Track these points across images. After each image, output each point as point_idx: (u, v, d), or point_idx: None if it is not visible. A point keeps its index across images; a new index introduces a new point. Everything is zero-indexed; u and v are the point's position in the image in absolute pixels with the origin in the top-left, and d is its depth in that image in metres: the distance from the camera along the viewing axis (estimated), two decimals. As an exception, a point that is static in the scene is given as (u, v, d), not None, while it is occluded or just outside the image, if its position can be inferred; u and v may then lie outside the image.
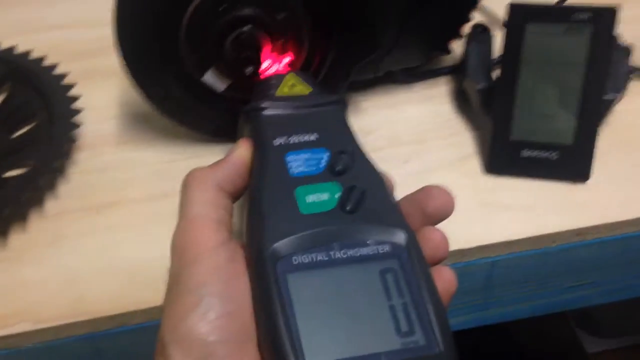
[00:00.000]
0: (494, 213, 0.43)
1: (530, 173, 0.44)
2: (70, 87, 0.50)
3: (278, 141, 0.33)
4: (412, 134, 0.49)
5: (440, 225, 0.40)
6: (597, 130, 0.43)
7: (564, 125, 0.43)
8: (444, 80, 0.53)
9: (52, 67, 0.52)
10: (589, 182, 0.44)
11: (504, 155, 0.44)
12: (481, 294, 0.44)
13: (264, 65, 0.42)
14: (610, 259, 0.44)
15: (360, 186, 0.31)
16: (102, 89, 0.52)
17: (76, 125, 0.46)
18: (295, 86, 0.38)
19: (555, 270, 0.44)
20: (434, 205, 0.31)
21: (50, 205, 0.44)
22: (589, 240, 0.42)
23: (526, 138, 0.43)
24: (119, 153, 0.48)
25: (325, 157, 0.32)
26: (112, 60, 0.55)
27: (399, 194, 0.44)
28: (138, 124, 0.50)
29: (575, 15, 0.41)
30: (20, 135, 0.48)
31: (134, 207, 0.44)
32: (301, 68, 0.43)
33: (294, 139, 0.33)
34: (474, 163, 0.46)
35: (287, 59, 0.42)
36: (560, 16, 0.42)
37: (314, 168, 0.32)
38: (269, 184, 0.31)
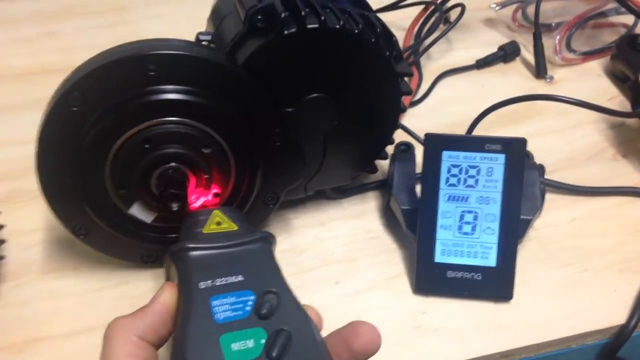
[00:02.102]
0: (425, 336, 0.43)
1: (456, 293, 0.45)
2: (-7, 214, 0.48)
3: (204, 284, 0.33)
4: (342, 251, 0.50)
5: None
6: (517, 250, 0.44)
7: (485, 247, 0.44)
8: (372, 195, 0.55)
9: (-25, 192, 0.51)
10: (512, 301, 0.45)
11: (430, 277, 0.45)
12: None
13: (191, 199, 0.42)
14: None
15: (287, 329, 0.31)
16: (26, 212, 0.51)
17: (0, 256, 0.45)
18: (222, 223, 0.38)
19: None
20: (360, 343, 0.32)
21: (-31, 346, 0.42)
22: (516, 361, 0.43)
23: (450, 260, 0.45)
24: (44, 282, 0.47)
25: (250, 299, 0.33)
26: (32, 183, 0.54)
27: (331, 315, 0.45)
28: (64, 250, 0.49)
29: (488, 145, 0.44)
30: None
31: (58, 344, 0.43)
32: (229, 196, 0.44)
33: (220, 282, 0.33)
34: (404, 282, 0.47)
35: (214, 191, 0.43)
36: (473, 145, 0.44)
37: (240, 312, 0.32)
38: (194, 330, 0.31)
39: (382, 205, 0.53)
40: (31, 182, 0.53)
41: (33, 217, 0.51)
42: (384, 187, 0.54)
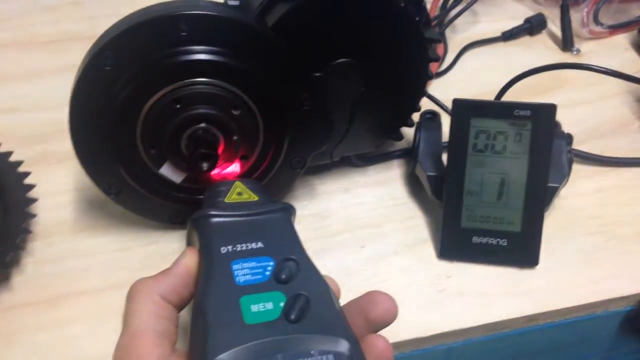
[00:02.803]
0: (449, 299, 0.44)
1: (481, 259, 0.45)
2: (25, 175, 0.49)
3: (224, 249, 0.34)
4: (367, 217, 0.50)
5: (399, 311, 0.42)
6: (543, 217, 0.44)
7: (512, 213, 0.44)
8: (397, 163, 0.55)
9: (7, 154, 0.51)
10: (537, 267, 0.45)
11: (455, 242, 0.45)
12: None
13: (219, 160, 0.42)
14: (560, 343, 0.45)
15: (305, 294, 0.31)
16: (57, 174, 0.52)
17: (31, 215, 0.46)
18: (243, 194, 0.39)
19: (509, 353, 0.45)
20: (377, 312, 0.32)
21: (4, 298, 0.43)
22: (540, 325, 0.43)
23: (476, 225, 0.45)
24: (75, 241, 0.48)
25: (270, 265, 0.33)
26: (67, 145, 0.55)
27: (357, 278, 0.45)
28: (94, 211, 0.50)
29: (517, 111, 0.44)
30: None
31: (89, 299, 0.44)
32: (257, 159, 0.45)
33: (240, 247, 0.34)
34: (429, 248, 0.47)
35: (242, 153, 0.43)
36: (502, 111, 0.44)
37: (260, 276, 0.32)
38: (214, 293, 0.32)
39: (406, 172, 0.54)
40: (60, 145, 0.54)
41: (63, 179, 0.52)
42: (408, 155, 0.54)
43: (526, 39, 0.68)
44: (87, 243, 0.48)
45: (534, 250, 0.44)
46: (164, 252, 0.47)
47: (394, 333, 0.40)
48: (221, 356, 0.28)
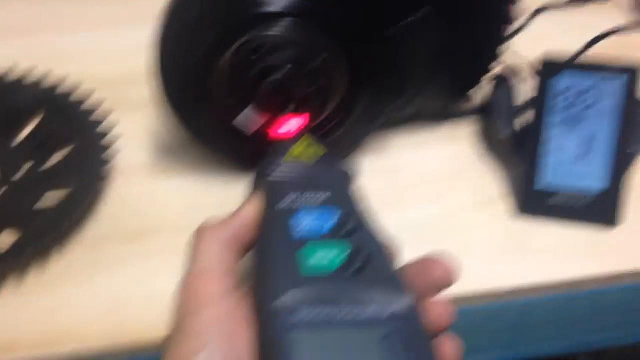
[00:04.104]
0: (526, 256, 0.44)
1: (561, 217, 0.45)
2: (104, 116, 0.50)
3: (287, 201, 0.34)
4: (437, 174, 0.50)
5: (473, 265, 0.42)
6: (624, 177, 0.44)
7: (594, 172, 0.44)
8: (470, 122, 0.55)
9: (87, 95, 0.53)
10: (618, 227, 0.45)
11: (534, 199, 0.45)
12: (510, 335, 0.45)
13: (299, 108, 0.43)
14: (638, 303, 0.45)
15: (366, 249, 0.31)
16: (133, 119, 0.53)
17: (111, 154, 0.47)
18: (309, 149, 0.39)
19: (585, 313, 0.45)
20: (437, 274, 0.32)
21: (88, 231, 0.44)
22: (618, 285, 0.43)
23: (555, 184, 0.45)
24: (152, 182, 0.49)
25: (331, 220, 0.34)
26: (143, 90, 0.56)
27: (428, 232, 0.45)
28: (170, 154, 0.51)
29: (604, 71, 0.43)
30: (56, 162, 0.48)
31: (167, 237, 0.45)
32: (335, 109, 0.45)
33: (302, 201, 0.35)
34: (501, 205, 0.47)
35: (321, 102, 0.44)
36: (590, 70, 0.43)
37: (320, 230, 0.33)
38: (275, 242, 0.32)
39: (479, 131, 0.53)
40: (136, 92, 0.56)
41: (140, 123, 0.53)
42: (481, 114, 0.54)
43: (601, 4, 0.67)
44: (163, 185, 0.48)
45: (616, 209, 0.44)
46: (237, 196, 0.48)
47: (467, 287, 0.41)
48: (281, 299, 0.28)
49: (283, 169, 0.37)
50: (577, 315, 0.45)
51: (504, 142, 0.47)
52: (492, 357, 0.47)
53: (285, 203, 0.34)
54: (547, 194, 0.45)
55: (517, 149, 0.46)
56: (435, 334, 0.30)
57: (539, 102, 0.45)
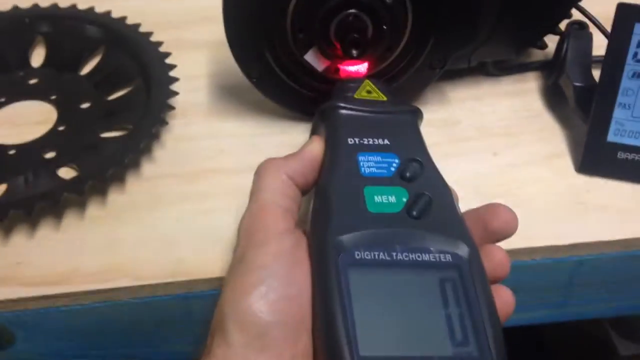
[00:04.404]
0: (586, 213, 0.42)
1: (624, 176, 0.44)
2: (166, 55, 0.51)
3: (352, 140, 0.34)
4: (500, 127, 0.49)
5: (530, 219, 0.41)
6: (698, 137, 0.42)
7: (666, 130, 0.42)
8: (532, 76, 0.53)
9: (148, 34, 0.53)
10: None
11: (599, 156, 0.44)
12: (563, 291, 0.44)
13: (365, 52, 0.42)
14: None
15: (428, 194, 0.31)
16: (194, 59, 0.53)
17: (173, 93, 0.47)
18: (372, 92, 0.39)
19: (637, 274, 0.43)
20: (497, 223, 0.31)
21: (147, 169, 0.45)
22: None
23: (623, 140, 0.43)
24: (210, 123, 0.49)
25: (395, 162, 0.33)
26: (200, 32, 0.56)
27: (489, 184, 0.45)
28: (228, 97, 0.51)
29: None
30: (117, 99, 0.49)
31: (224, 178, 0.45)
32: (401, 52, 0.44)
33: (367, 141, 0.34)
34: (566, 161, 0.46)
35: (388, 44, 0.43)
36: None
37: (384, 171, 0.33)
38: (340, 178, 0.32)
39: (543, 85, 0.52)
40: (195, 33, 0.56)
41: (199, 64, 0.53)
42: (547, 67, 0.52)
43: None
44: (221, 126, 0.49)
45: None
46: (294, 142, 0.47)
47: (525, 239, 0.40)
48: (342, 237, 0.28)
49: (354, 105, 0.37)
50: (634, 276, 0.44)
51: (575, 94, 0.46)
52: (539, 315, 0.47)
53: (355, 138, 0.34)
54: (615, 149, 0.43)
55: (588, 102, 0.44)
56: (490, 282, 0.30)
57: (610, 52, 0.43)
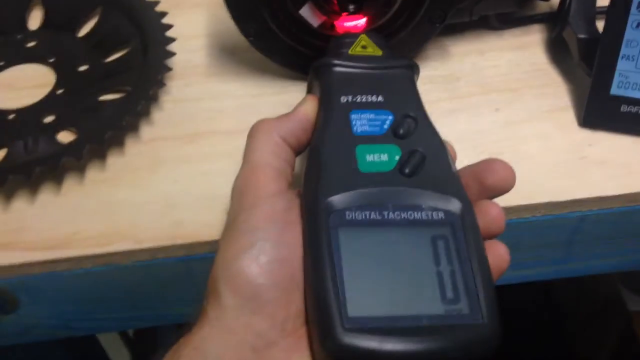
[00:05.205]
0: (589, 167, 0.42)
1: (628, 129, 0.43)
2: (162, 15, 0.50)
3: (344, 98, 0.34)
4: (502, 81, 0.48)
5: (532, 175, 0.41)
6: None
7: (670, 82, 0.41)
8: (535, 29, 0.52)
9: (144, -6, 0.52)
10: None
11: (602, 110, 0.43)
12: (565, 247, 0.44)
13: (362, 6, 0.41)
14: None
15: (421, 151, 0.31)
16: (191, 19, 0.53)
17: (171, 54, 0.47)
18: (367, 47, 0.38)
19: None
20: (494, 179, 0.31)
21: (146, 131, 0.45)
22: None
23: (627, 93, 0.42)
24: (208, 84, 0.48)
25: (389, 119, 0.33)
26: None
27: (491, 140, 0.44)
28: (227, 57, 0.50)
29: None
30: (114, 61, 0.48)
31: (223, 139, 0.45)
32: (400, 7, 0.43)
33: (361, 98, 0.34)
34: (569, 115, 0.45)
35: (385, 2, 0.42)
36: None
37: (377, 128, 0.32)
38: (331, 138, 0.32)
39: (547, 38, 0.51)
40: None
41: (197, 24, 0.53)
42: (550, 20, 0.51)
43: None
44: (219, 87, 0.48)
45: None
46: (292, 102, 0.46)
47: (527, 196, 0.40)
48: (333, 197, 0.28)
49: (347, 62, 0.36)
50: (636, 230, 0.43)
51: (579, 47, 0.45)
52: (539, 272, 0.47)
53: (348, 96, 0.34)
54: (616, 105, 0.42)
55: (592, 54, 0.43)
56: (485, 238, 0.29)
57: (615, 3, 0.41)
